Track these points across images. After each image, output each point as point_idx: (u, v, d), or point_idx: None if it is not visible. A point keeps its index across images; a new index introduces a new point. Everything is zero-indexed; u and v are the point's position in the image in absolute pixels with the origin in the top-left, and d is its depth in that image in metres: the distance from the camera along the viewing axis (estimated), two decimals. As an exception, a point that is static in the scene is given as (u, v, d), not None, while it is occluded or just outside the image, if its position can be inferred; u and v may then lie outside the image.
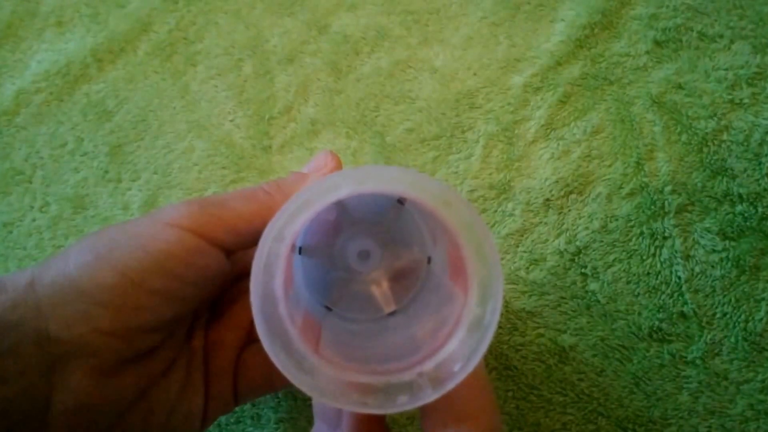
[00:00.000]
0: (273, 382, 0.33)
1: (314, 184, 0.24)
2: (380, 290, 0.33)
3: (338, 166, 0.32)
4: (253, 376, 0.32)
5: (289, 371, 0.23)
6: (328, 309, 0.32)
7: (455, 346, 0.24)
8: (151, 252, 0.27)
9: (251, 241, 0.29)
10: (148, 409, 0.29)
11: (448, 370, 0.24)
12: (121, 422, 0.28)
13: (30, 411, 0.26)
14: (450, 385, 0.23)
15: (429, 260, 0.32)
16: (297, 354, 0.23)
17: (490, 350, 0.39)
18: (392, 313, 0.32)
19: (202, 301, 0.30)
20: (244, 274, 0.34)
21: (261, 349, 0.33)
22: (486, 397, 0.25)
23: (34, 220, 0.44)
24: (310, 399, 0.40)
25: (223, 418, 0.40)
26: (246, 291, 0.34)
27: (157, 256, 0.27)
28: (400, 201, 0.31)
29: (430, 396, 0.23)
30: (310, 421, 0.39)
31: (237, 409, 0.40)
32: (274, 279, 0.23)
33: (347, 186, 0.23)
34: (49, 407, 0.26)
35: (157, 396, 0.29)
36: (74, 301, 0.26)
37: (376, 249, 0.32)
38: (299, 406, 0.40)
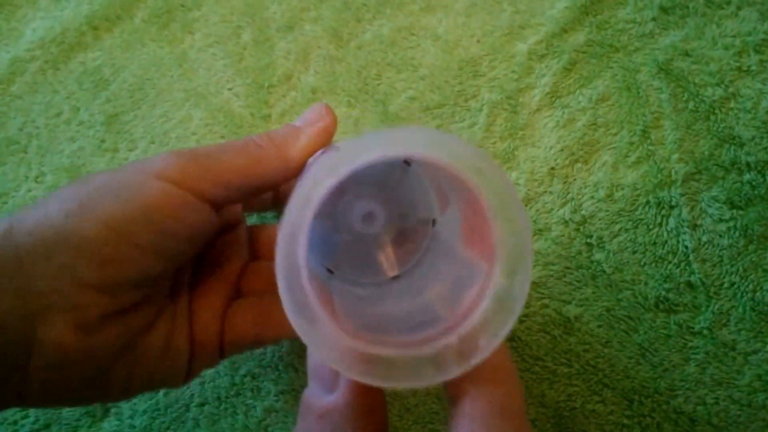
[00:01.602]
0: (261, 337, 0.32)
1: (342, 147, 0.23)
2: (384, 253, 0.32)
3: (334, 120, 0.31)
4: (239, 332, 0.32)
5: (315, 345, 0.22)
6: (330, 272, 0.32)
7: (479, 318, 0.23)
8: (139, 205, 0.26)
9: (240, 195, 0.29)
10: (131, 363, 0.28)
11: (474, 343, 0.23)
12: (104, 376, 0.28)
13: (10, 365, 0.25)
14: (476, 360, 0.22)
15: (433, 223, 0.31)
16: (322, 327, 0.23)
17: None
18: (396, 278, 0.31)
19: (188, 256, 0.29)
20: (229, 226, 0.34)
21: (248, 305, 0.32)
22: (507, 362, 0.25)
23: (29, 190, 0.44)
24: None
25: (222, 391, 0.39)
26: (232, 244, 0.33)
27: (144, 209, 0.26)
28: (407, 162, 0.30)
29: (456, 371, 0.22)
30: (310, 393, 0.39)
31: (237, 381, 0.39)
32: (297, 247, 0.22)
33: (378, 150, 0.22)
34: (29, 361, 0.25)
35: (141, 350, 0.29)
36: (57, 253, 0.25)
37: (380, 211, 0.31)
38: (300, 377, 0.39)
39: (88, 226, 0.25)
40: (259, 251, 0.35)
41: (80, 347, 0.26)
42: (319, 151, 0.30)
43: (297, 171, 0.30)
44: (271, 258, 0.33)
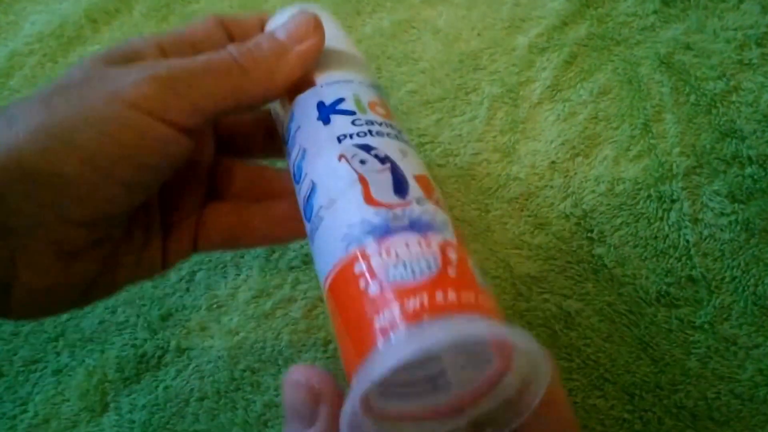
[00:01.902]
0: (236, 242, 0.33)
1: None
2: None
3: (323, 37, 0.29)
4: (213, 235, 0.32)
5: None
6: None
7: None
8: (118, 141, 0.25)
9: (218, 119, 0.28)
10: (108, 277, 0.29)
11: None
12: (86, 295, 0.28)
13: None
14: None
15: None
16: None
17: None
18: None
19: (165, 179, 0.28)
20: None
21: (225, 210, 0.32)
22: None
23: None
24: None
25: (222, 386, 0.39)
26: (204, 145, 0.32)
27: (123, 146, 0.25)
28: None
29: None
30: (310, 387, 0.39)
31: (236, 376, 0.39)
32: None
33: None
34: (11, 291, 0.25)
35: (119, 265, 0.29)
36: (38, 191, 0.24)
37: None
38: (299, 372, 0.39)
39: (69, 165, 0.24)
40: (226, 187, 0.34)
41: (63, 273, 0.26)
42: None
43: (281, 94, 0.28)
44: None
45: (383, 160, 0.24)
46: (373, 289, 0.21)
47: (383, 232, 0.22)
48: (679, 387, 0.37)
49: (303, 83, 0.28)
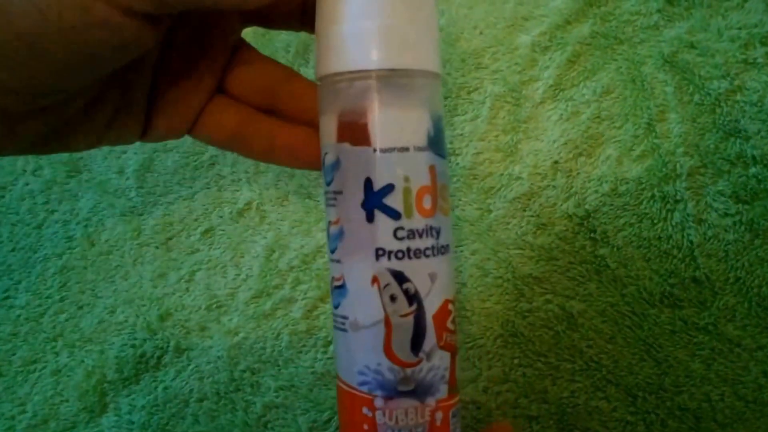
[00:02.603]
0: (233, 144, 0.32)
1: None
2: None
3: None
4: (212, 128, 0.31)
5: None
6: None
7: None
8: (54, 23, 0.22)
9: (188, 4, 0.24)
10: (67, 141, 0.28)
11: None
12: (38, 148, 0.28)
13: None
14: None
15: None
16: None
17: (497, 317, 0.38)
18: None
19: (121, 65, 0.26)
20: (221, 17, 0.30)
21: (230, 108, 0.31)
22: None
23: (27, 184, 0.43)
24: (312, 367, 0.39)
25: (222, 387, 0.39)
26: (218, 38, 0.30)
27: (60, 29, 0.22)
28: None
29: None
30: (311, 389, 0.38)
31: (236, 376, 0.39)
32: None
33: None
34: None
35: (77, 131, 0.28)
36: None
37: None
38: (300, 373, 0.39)
39: (2, 36, 0.22)
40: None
41: (5, 134, 0.25)
42: None
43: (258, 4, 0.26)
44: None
45: (411, 299, 0.26)
46: None
47: (391, 392, 0.26)
48: (682, 389, 0.37)
49: (355, 125, 0.26)
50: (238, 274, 0.41)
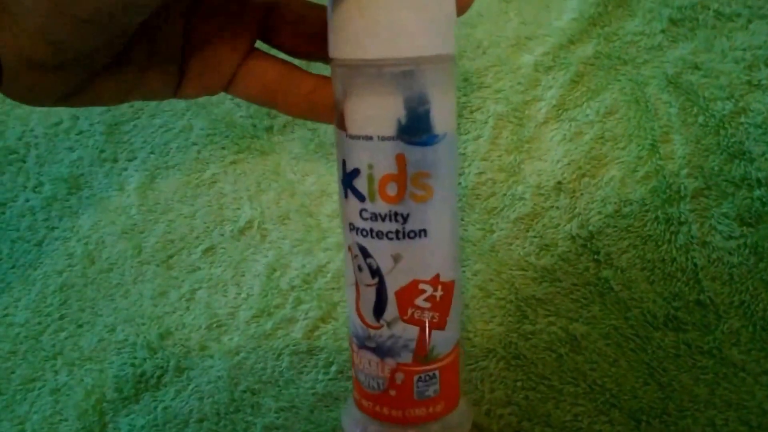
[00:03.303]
0: (272, 101, 0.31)
1: None
2: None
3: None
4: (251, 84, 0.30)
5: None
6: None
7: None
8: None
9: None
10: (95, 94, 0.28)
11: None
12: (68, 100, 0.27)
13: None
14: None
15: None
16: None
17: (499, 339, 0.38)
18: None
19: (152, 13, 0.25)
20: None
21: (270, 63, 0.30)
22: None
23: (27, 200, 0.43)
24: (313, 388, 0.39)
25: (222, 407, 0.39)
26: None
27: None
28: None
29: None
30: (312, 410, 0.38)
31: (236, 397, 0.38)
32: None
33: None
34: None
35: (106, 85, 0.28)
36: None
37: None
38: (301, 395, 0.38)
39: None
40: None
41: (35, 83, 0.25)
42: None
43: None
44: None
45: (374, 273, 0.28)
46: (353, 372, 0.31)
47: (360, 344, 0.30)
48: (686, 413, 0.37)
49: (339, 109, 0.28)
50: (239, 293, 0.41)
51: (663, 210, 0.39)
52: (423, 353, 0.29)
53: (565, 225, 0.39)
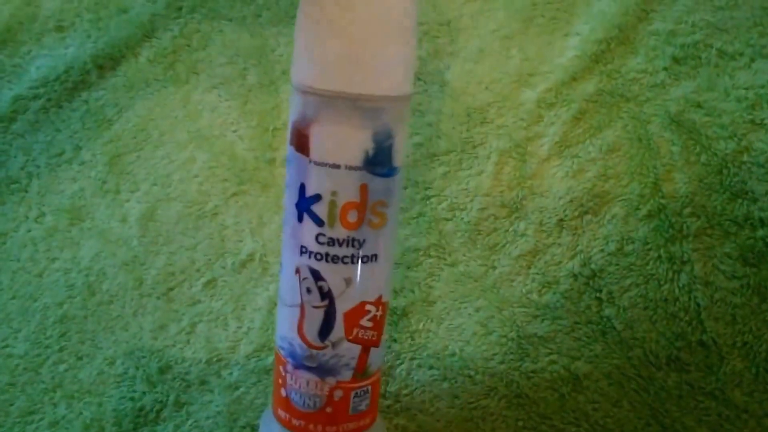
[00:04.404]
0: None
1: None
2: None
3: None
4: None
5: None
6: None
7: None
8: None
9: None
10: None
11: None
12: None
13: None
14: None
15: None
16: None
17: (501, 377, 0.38)
18: None
19: None
20: None
21: None
22: None
23: (29, 230, 0.43)
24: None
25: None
26: None
27: None
28: None
29: None
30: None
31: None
32: None
33: None
34: None
35: None
36: None
37: None
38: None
39: None
40: None
41: None
42: None
43: None
44: None
45: (324, 295, 0.30)
46: (283, 392, 0.32)
47: (298, 364, 0.31)
48: (689, 455, 0.36)
49: (300, 134, 0.28)
50: (240, 327, 0.41)
51: (665, 249, 0.39)
52: (362, 370, 0.31)
53: (567, 262, 0.39)
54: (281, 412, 0.32)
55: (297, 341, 0.30)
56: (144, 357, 0.41)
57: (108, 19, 0.45)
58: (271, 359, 0.40)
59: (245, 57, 0.44)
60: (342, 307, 0.30)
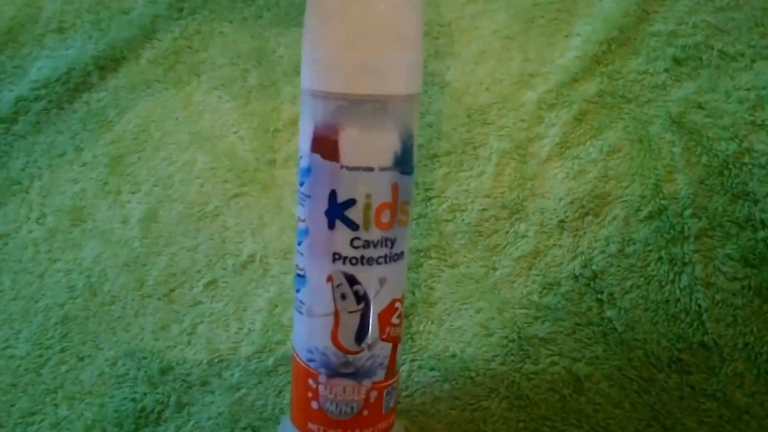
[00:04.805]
0: None
1: None
2: None
3: None
4: None
5: None
6: None
7: None
8: None
9: None
10: None
11: None
12: None
13: None
14: None
15: None
16: None
17: (502, 378, 0.38)
18: None
19: None
20: None
21: None
22: None
23: (30, 232, 0.43)
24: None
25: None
26: None
27: None
28: None
29: None
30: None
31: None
32: None
33: None
34: None
35: None
36: None
37: None
38: None
39: None
40: None
41: None
42: None
43: None
44: None
45: (360, 299, 0.30)
46: (314, 405, 0.32)
47: (333, 373, 0.31)
48: (690, 457, 0.36)
49: (327, 141, 0.28)
50: (241, 328, 0.41)
51: (667, 250, 0.39)
52: (393, 367, 0.32)
53: (568, 264, 0.39)
54: (313, 426, 0.32)
55: (331, 350, 0.31)
56: (145, 358, 0.41)
57: (109, 21, 0.45)
58: (272, 360, 0.40)
59: (246, 58, 0.44)
60: (377, 308, 0.30)
